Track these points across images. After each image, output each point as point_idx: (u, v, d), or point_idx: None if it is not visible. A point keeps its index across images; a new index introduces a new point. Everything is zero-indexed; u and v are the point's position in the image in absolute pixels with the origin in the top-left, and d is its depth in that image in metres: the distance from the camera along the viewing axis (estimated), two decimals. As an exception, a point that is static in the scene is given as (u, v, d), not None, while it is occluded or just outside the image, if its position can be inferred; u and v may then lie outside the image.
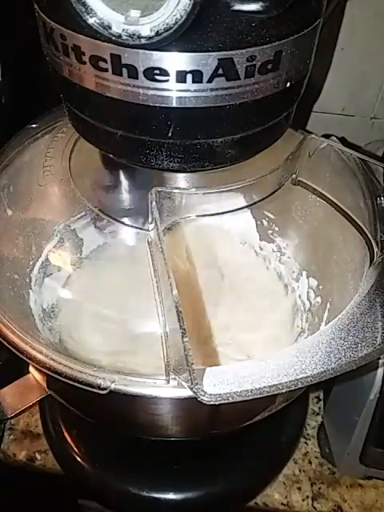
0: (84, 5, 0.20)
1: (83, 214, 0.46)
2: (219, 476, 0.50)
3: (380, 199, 0.36)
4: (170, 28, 0.20)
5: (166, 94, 0.23)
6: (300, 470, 0.53)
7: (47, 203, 0.43)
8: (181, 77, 0.22)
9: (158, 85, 0.23)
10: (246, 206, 0.35)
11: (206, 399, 0.23)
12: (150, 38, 0.20)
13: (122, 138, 0.26)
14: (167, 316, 0.28)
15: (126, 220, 0.39)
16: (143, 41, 0.20)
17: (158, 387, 0.29)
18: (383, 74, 0.53)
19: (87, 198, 0.39)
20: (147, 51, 0.21)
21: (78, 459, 0.51)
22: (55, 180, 0.41)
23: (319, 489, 0.52)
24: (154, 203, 0.31)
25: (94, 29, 0.21)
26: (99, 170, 0.39)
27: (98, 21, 0.20)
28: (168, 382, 0.29)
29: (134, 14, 0.20)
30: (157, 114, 0.24)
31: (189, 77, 0.22)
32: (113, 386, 0.28)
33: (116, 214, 0.40)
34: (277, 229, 0.49)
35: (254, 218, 0.50)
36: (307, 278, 0.47)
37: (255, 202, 0.36)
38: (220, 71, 0.22)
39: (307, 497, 0.51)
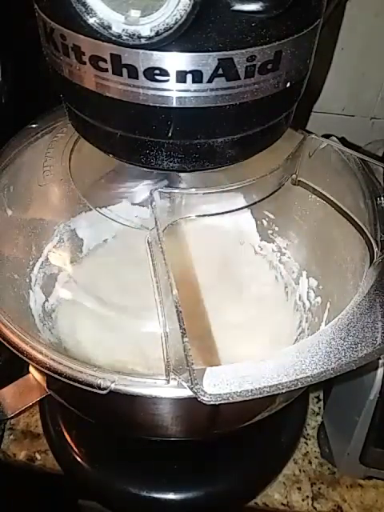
0: (84, 5, 0.20)
1: (83, 213, 0.46)
2: (219, 476, 0.50)
3: (380, 199, 0.36)
4: (170, 28, 0.20)
5: (166, 93, 0.23)
6: (300, 470, 0.53)
7: (47, 203, 0.43)
8: (181, 77, 0.22)
9: (158, 85, 0.23)
10: (246, 206, 0.35)
11: (206, 399, 0.23)
12: (150, 38, 0.20)
13: (121, 138, 0.26)
14: (167, 316, 0.28)
15: (125, 220, 0.40)
16: (143, 41, 0.20)
17: (158, 387, 0.29)
18: (383, 74, 0.53)
19: (87, 197, 0.39)
20: (147, 51, 0.21)
21: (78, 459, 0.51)
22: (55, 180, 0.41)
23: (319, 489, 0.52)
24: (154, 203, 0.31)
25: (94, 29, 0.21)
26: (99, 169, 0.39)
27: (98, 21, 0.20)
28: (168, 382, 0.29)
29: (134, 14, 0.20)
30: (157, 114, 0.24)
31: (189, 77, 0.22)
32: (113, 386, 0.28)
33: (116, 214, 0.40)
34: (277, 229, 0.49)
35: (254, 218, 0.50)
36: (307, 278, 0.47)
37: (255, 202, 0.36)
38: (220, 71, 0.22)
39: (307, 497, 0.51)
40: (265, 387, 0.23)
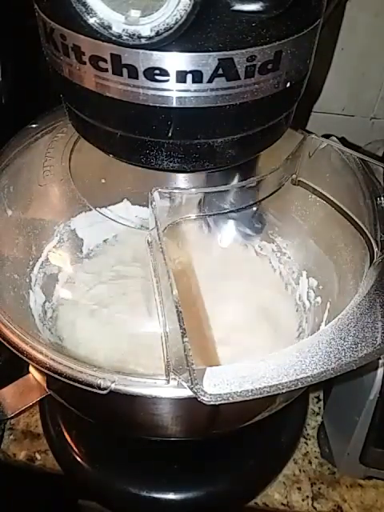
0: (84, 5, 0.20)
1: (83, 213, 0.46)
2: (219, 476, 0.50)
3: (380, 199, 0.36)
4: (170, 28, 0.20)
5: (166, 94, 0.23)
6: (300, 470, 0.53)
7: (47, 203, 0.43)
8: (181, 77, 0.22)
9: (158, 85, 0.23)
10: (246, 206, 0.35)
11: (206, 399, 0.23)
12: (151, 38, 0.20)
13: (121, 138, 0.26)
14: (167, 316, 0.28)
15: (125, 220, 0.40)
16: (143, 41, 0.20)
17: (158, 387, 0.29)
18: (383, 74, 0.53)
19: (87, 197, 0.39)
20: (147, 51, 0.21)
21: (78, 459, 0.51)
22: (55, 180, 0.41)
23: (319, 489, 0.52)
24: (154, 203, 0.31)
25: (94, 29, 0.21)
26: (99, 169, 0.39)
27: (98, 21, 0.20)
28: (168, 382, 0.29)
29: (135, 14, 0.20)
30: (157, 114, 0.24)
31: (189, 77, 0.22)
32: (113, 386, 0.28)
33: (116, 214, 0.40)
34: (277, 229, 0.49)
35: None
36: (307, 278, 0.47)
37: (255, 202, 0.36)
38: (220, 71, 0.22)
39: (307, 497, 0.51)
40: (265, 387, 0.23)
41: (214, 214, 0.35)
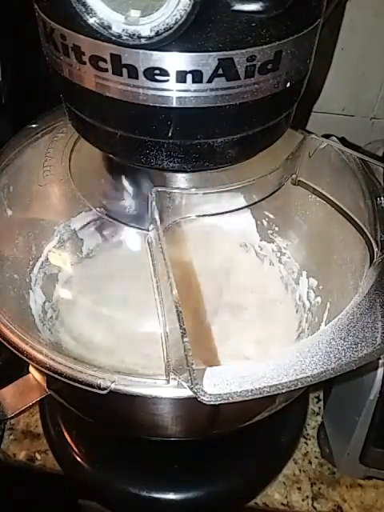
0: (84, 5, 0.20)
1: (83, 213, 0.46)
2: (219, 476, 0.50)
3: (380, 199, 0.36)
4: (170, 28, 0.20)
5: (166, 93, 0.23)
6: (300, 470, 0.53)
7: (47, 203, 0.43)
8: (181, 77, 0.22)
9: (158, 85, 0.23)
10: (246, 206, 0.35)
11: (206, 399, 0.23)
12: (150, 38, 0.20)
13: (121, 138, 0.26)
14: (167, 316, 0.28)
15: (126, 220, 0.39)
16: (143, 41, 0.20)
17: (158, 387, 0.29)
18: (383, 73, 0.53)
19: (87, 197, 0.39)
20: (147, 51, 0.21)
21: (78, 459, 0.51)
22: (55, 180, 0.41)
23: (319, 489, 0.52)
24: (154, 203, 0.31)
25: (94, 29, 0.21)
26: (99, 169, 0.39)
27: (98, 21, 0.20)
28: (168, 382, 0.29)
29: (134, 14, 0.20)
30: (157, 114, 0.24)
31: (189, 77, 0.22)
32: (113, 386, 0.28)
33: (116, 214, 0.40)
34: (277, 229, 0.49)
35: (253, 218, 0.50)
36: (307, 278, 0.47)
37: (255, 202, 0.36)
38: (220, 71, 0.22)
39: (307, 497, 0.51)
40: (265, 387, 0.23)
41: (213, 214, 0.35)
